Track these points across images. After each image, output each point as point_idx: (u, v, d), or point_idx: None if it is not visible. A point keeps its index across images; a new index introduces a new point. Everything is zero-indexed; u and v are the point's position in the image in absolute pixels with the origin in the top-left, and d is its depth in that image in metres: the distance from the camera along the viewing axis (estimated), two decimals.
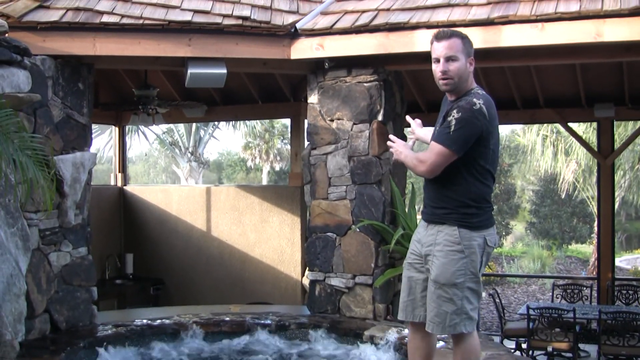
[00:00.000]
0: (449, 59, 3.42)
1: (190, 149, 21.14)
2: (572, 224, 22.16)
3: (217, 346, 5.21)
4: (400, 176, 5.88)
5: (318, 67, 5.70)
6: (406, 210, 5.73)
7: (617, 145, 8.94)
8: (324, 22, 5.38)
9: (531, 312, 6.30)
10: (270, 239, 7.96)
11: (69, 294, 5.18)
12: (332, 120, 5.66)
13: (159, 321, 5.35)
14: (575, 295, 7.58)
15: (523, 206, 25.12)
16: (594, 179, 15.86)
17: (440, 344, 4.36)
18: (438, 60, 3.45)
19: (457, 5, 5.11)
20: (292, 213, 7.82)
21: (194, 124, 20.22)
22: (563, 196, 20.50)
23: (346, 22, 5.30)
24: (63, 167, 5.04)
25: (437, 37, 3.46)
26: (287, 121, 11.68)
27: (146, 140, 23.53)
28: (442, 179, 3.47)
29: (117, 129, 9.01)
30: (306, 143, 5.95)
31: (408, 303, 3.65)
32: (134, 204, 8.77)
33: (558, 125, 13.74)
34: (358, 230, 5.51)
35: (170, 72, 7.88)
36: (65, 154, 5.14)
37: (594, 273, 10.05)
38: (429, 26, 4.94)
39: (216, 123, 20.46)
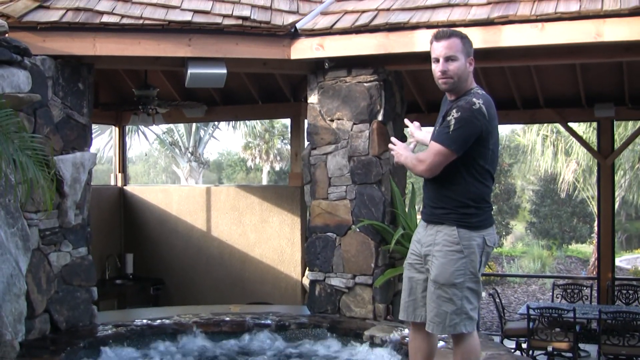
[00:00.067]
0: (448, 58, 3.42)
1: (190, 149, 21.14)
2: (572, 224, 22.16)
3: (217, 346, 5.20)
4: (400, 176, 5.89)
5: (318, 67, 5.70)
6: (406, 210, 5.73)
7: (617, 145, 8.94)
8: (324, 22, 5.38)
9: (531, 312, 6.30)
10: (270, 239, 7.96)
11: (69, 294, 5.18)
12: (332, 120, 5.66)
13: (159, 321, 5.35)
14: (575, 295, 7.58)
15: (523, 206, 25.12)
16: (594, 178, 15.86)
17: (441, 344, 4.36)
18: (437, 60, 3.45)
19: (457, 5, 5.11)
20: (292, 213, 7.82)
21: (194, 124, 20.22)
22: (563, 196, 20.50)
23: (346, 22, 5.30)
24: (63, 167, 5.04)
25: (437, 37, 3.46)
26: (287, 121, 11.69)
27: (146, 140, 23.55)
28: (442, 179, 3.47)
29: (117, 129, 9.01)
30: (306, 143, 5.96)
31: (409, 303, 3.65)
32: (134, 204, 8.77)
33: (558, 125, 13.75)
34: (358, 230, 5.51)
35: (170, 72, 7.88)
36: (65, 154, 5.14)
37: (594, 273, 10.05)
38: (429, 26, 4.94)
39: (216, 123, 20.46)
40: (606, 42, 4.70)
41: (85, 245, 5.35)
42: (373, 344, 4.98)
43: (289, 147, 13.95)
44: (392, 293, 5.67)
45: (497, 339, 6.73)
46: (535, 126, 17.49)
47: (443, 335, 3.94)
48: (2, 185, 4.19)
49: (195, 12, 5.32)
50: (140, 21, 5.15)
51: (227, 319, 5.45)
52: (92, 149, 5.56)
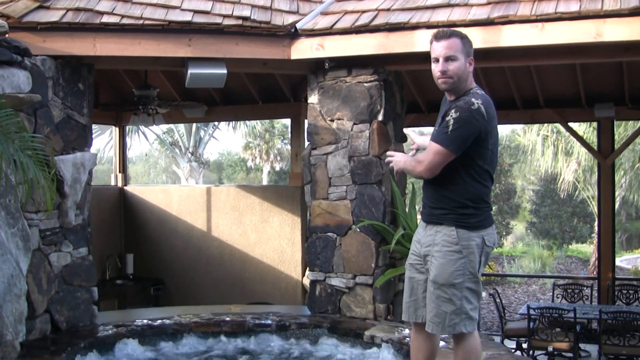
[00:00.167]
0: (448, 58, 3.41)
1: (190, 149, 21.15)
2: (572, 224, 22.16)
3: (218, 346, 5.21)
4: (400, 175, 5.88)
5: (318, 67, 5.70)
6: (406, 210, 5.73)
7: (617, 145, 8.94)
8: (324, 22, 5.38)
9: (532, 312, 6.30)
10: (270, 239, 7.96)
11: (69, 294, 5.18)
12: (332, 121, 5.66)
13: (159, 321, 5.35)
14: (575, 295, 7.57)
15: (523, 206, 25.12)
16: (595, 178, 15.86)
17: (441, 344, 4.36)
18: (437, 60, 3.45)
19: (457, 5, 5.11)
20: (293, 213, 7.82)
21: (194, 124, 20.23)
22: (563, 196, 20.50)
23: (346, 22, 5.30)
24: (63, 168, 5.04)
25: (437, 37, 3.46)
26: (287, 121, 11.69)
27: (146, 141, 23.57)
28: (440, 180, 3.47)
29: (117, 129, 9.01)
30: (306, 143, 5.96)
31: (410, 304, 3.65)
32: (134, 204, 8.78)
33: (558, 125, 13.75)
34: (358, 230, 5.51)
35: (170, 73, 7.88)
36: (65, 154, 5.14)
37: (595, 273, 10.05)
38: (429, 26, 4.94)
39: (216, 123, 20.47)
40: (606, 42, 4.70)
41: (85, 246, 5.35)
42: (373, 344, 4.97)
43: (289, 147, 13.95)
44: (393, 293, 5.67)
45: (497, 339, 6.74)
46: (536, 126, 17.49)
47: (444, 335, 3.94)
48: (3, 185, 4.19)
49: (196, 12, 5.32)
50: (141, 21, 5.15)
51: (228, 319, 5.45)
52: (93, 149, 5.56)
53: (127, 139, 9.70)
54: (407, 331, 4.96)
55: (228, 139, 54.33)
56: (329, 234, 5.67)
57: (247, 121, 20.41)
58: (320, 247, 5.71)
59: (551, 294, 8.01)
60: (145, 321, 5.33)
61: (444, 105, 3.59)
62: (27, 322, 4.52)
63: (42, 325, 4.92)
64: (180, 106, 7.89)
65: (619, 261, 17.00)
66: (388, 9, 5.28)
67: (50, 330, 5.01)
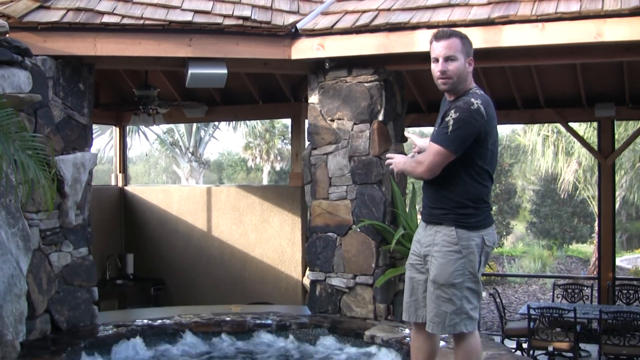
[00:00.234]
0: (447, 58, 3.41)
1: (190, 149, 21.15)
2: (572, 224, 22.16)
3: (218, 346, 5.21)
4: (400, 176, 5.88)
5: (318, 67, 5.70)
6: (407, 210, 5.73)
7: (617, 145, 8.94)
8: (324, 22, 5.38)
9: (532, 311, 6.29)
10: (270, 239, 7.96)
11: (69, 294, 5.19)
12: (332, 120, 5.66)
13: (159, 321, 5.35)
14: (576, 295, 7.57)
15: (524, 206, 25.12)
16: (595, 178, 15.85)
17: (442, 344, 4.36)
18: (437, 60, 3.45)
19: (458, 5, 5.11)
20: (293, 213, 7.82)
21: (194, 124, 20.23)
22: (563, 196, 20.50)
23: (347, 22, 5.30)
24: (64, 168, 5.04)
25: (436, 37, 3.46)
26: (287, 121, 11.67)
27: (146, 141, 23.55)
28: (440, 180, 3.46)
29: (117, 129, 9.01)
30: (307, 143, 5.96)
31: (411, 304, 3.65)
32: (134, 204, 8.78)
33: (559, 125, 13.74)
34: (359, 230, 5.51)
35: (170, 73, 7.88)
36: (65, 154, 5.14)
37: (595, 273, 10.04)
38: (429, 26, 4.94)
39: (216, 123, 20.48)
40: (607, 42, 4.70)
41: (86, 246, 5.35)
42: (374, 344, 4.97)
43: (289, 147, 13.96)
44: (393, 293, 5.67)
45: (497, 339, 6.74)
46: (536, 126, 17.49)
47: (444, 335, 3.94)
48: (3, 185, 4.20)
49: (196, 12, 5.32)
50: (141, 21, 5.15)
51: (228, 319, 5.45)
52: (93, 149, 5.56)
53: (128, 139, 9.70)
54: (407, 331, 4.97)
55: (228, 139, 54.37)
56: (329, 233, 5.67)
57: (247, 121, 20.40)
58: (321, 247, 5.71)
59: (551, 294, 8.01)
60: (145, 321, 5.33)
61: (443, 105, 3.59)
62: (27, 322, 4.52)
63: (42, 325, 4.93)
64: (181, 106, 7.89)
65: (619, 261, 16.99)
66: (388, 9, 5.28)
67: (50, 330, 5.01)
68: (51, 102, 5.07)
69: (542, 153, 18.26)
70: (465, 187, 3.44)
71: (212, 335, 5.29)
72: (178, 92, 8.27)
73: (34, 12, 5.02)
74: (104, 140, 20.48)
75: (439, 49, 3.43)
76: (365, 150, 5.53)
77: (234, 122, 20.15)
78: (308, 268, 6.01)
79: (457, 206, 3.44)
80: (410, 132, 4.02)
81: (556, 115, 7.95)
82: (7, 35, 4.50)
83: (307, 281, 6.63)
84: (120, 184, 8.87)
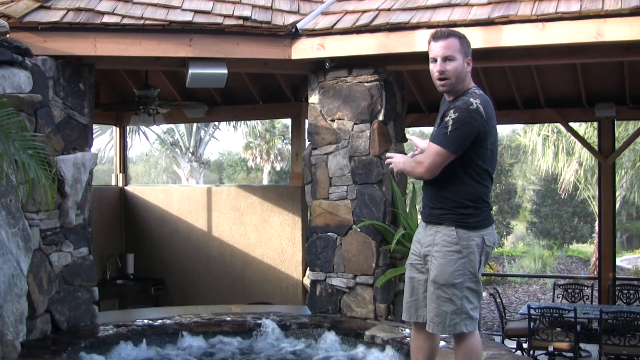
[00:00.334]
0: (446, 58, 3.41)
1: (190, 149, 21.15)
2: (573, 224, 22.16)
3: (218, 346, 5.21)
4: (401, 176, 5.88)
5: (319, 67, 5.70)
6: (407, 210, 5.73)
7: (618, 144, 8.94)
8: (324, 22, 5.38)
9: (532, 311, 6.30)
10: (271, 239, 7.97)
11: (70, 294, 5.19)
12: (332, 120, 5.66)
13: (160, 321, 5.35)
14: (576, 295, 7.58)
15: (524, 206, 25.11)
16: (595, 178, 15.85)
17: (442, 344, 4.36)
18: (435, 60, 3.46)
19: (458, 5, 5.11)
20: (293, 213, 7.83)
21: (194, 124, 20.24)
22: (564, 196, 20.50)
23: (347, 22, 5.30)
24: (64, 168, 5.05)
25: (435, 37, 3.47)
26: (287, 121, 11.68)
27: (147, 141, 23.59)
28: (440, 180, 3.46)
29: (117, 129, 9.02)
30: (307, 143, 5.96)
31: (411, 303, 3.65)
32: (134, 204, 8.78)
33: (559, 125, 13.74)
34: (359, 230, 5.51)
35: (171, 73, 7.88)
36: (66, 154, 5.14)
37: (595, 273, 10.05)
38: (429, 26, 4.94)
39: (217, 123, 20.48)
40: (607, 42, 4.70)
41: (86, 246, 5.35)
42: (374, 344, 4.97)
43: (289, 147, 13.98)
44: (393, 293, 5.67)
45: (498, 339, 6.75)
46: (536, 126, 17.49)
47: (444, 335, 3.94)
48: (4, 185, 4.20)
49: (196, 12, 5.32)
50: (141, 21, 5.16)
51: (228, 319, 5.46)
52: (93, 149, 5.56)
53: (128, 139, 9.71)
54: (407, 331, 4.97)
55: (228, 139, 54.41)
56: (329, 233, 5.68)
57: (247, 121, 20.41)
58: (321, 247, 5.71)
59: (552, 293, 8.01)
60: (145, 321, 5.33)
61: (443, 105, 3.59)
62: (27, 322, 4.52)
63: (42, 325, 4.93)
64: (181, 106, 7.89)
65: (620, 261, 17.00)
66: (389, 9, 5.29)
67: (50, 330, 5.01)
68: (51, 102, 5.08)
69: (543, 153, 18.26)
70: (465, 187, 3.44)
71: (212, 335, 5.29)
72: (178, 92, 8.27)
73: (34, 12, 5.02)
74: (104, 140, 20.52)
75: (437, 49, 3.44)
76: (365, 150, 5.53)
77: (234, 122, 20.15)
78: (308, 268, 6.01)
79: (457, 206, 3.44)
80: (410, 133, 4.03)
81: (556, 115, 7.95)
82: (8, 35, 4.51)
83: (307, 281, 6.63)
84: (120, 184, 8.87)
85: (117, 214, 8.71)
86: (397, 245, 5.33)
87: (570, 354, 6.33)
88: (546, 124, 16.99)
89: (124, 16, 5.15)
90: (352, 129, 5.57)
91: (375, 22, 5.18)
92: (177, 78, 7.96)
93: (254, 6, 5.55)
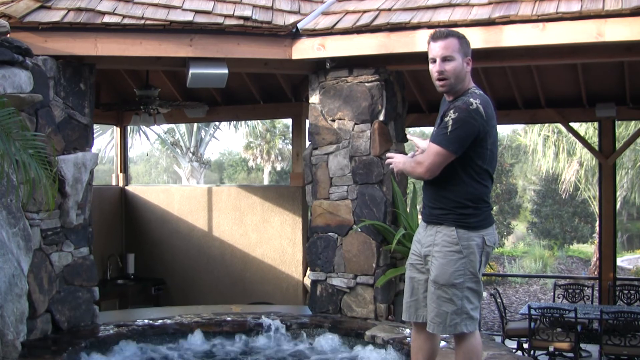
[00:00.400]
0: (445, 59, 3.42)
1: (191, 149, 21.16)
2: (573, 224, 22.15)
3: (219, 346, 5.21)
4: (401, 176, 5.88)
5: (319, 67, 5.71)
6: (407, 210, 5.73)
7: (618, 145, 8.94)
8: (325, 22, 5.38)
9: (533, 312, 6.30)
10: (271, 239, 7.97)
11: (70, 294, 5.19)
12: (333, 120, 5.66)
13: (160, 321, 5.35)
14: (576, 295, 7.57)
15: (524, 206, 25.11)
16: (596, 178, 15.85)
17: (442, 344, 4.36)
18: (434, 61, 3.46)
19: (458, 5, 5.11)
20: (294, 213, 7.83)
21: (195, 124, 20.24)
22: (565, 196, 20.49)
23: (347, 22, 5.30)
24: (65, 167, 5.05)
25: (434, 37, 3.47)
26: (288, 121, 11.68)
27: (147, 141, 23.59)
28: (440, 180, 3.46)
29: (118, 129, 9.02)
30: (307, 143, 5.96)
31: (411, 304, 3.65)
32: (135, 204, 8.78)
33: (559, 125, 13.73)
34: (359, 230, 5.51)
35: (171, 73, 7.88)
36: (66, 154, 5.15)
37: (596, 273, 10.04)
38: (430, 26, 4.94)
39: (217, 123, 20.48)
40: (607, 42, 4.70)
41: (86, 245, 5.36)
42: (374, 344, 4.98)
43: (290, 147, 13.97)
44: (394, 293, 5.67)
45: (498, 339, 6.74)
46: (537, 126, 17.49)
47: (445, 335, 3.94)
48: (4, 185, 4.20)
49: (197, 12, 5.33)
50: (142, 21, 5.16)
51: (229, 319, 5.46)
52: (94, 149, 5.56)
53: (128, 139, 9.70)
54: (408, 331, 4.97)
55: (229, 139, 54.34)
56: (330, 233, 5.68)
57: (248, 121, 20.41)
58: (321, 247, 5.71)
59: (552, 294, 8.01)
60: (146, 321, 5.33)
61: (443, 105, 3.59)
62: (28, 321, 4.52)
63: (43, 325, 4.93)
64: (182, 106, 7.90)
65: (620, 261, 16.99)
66: (389, 9, 5.29)
67: (51, 330, 5.01)
68: (52, 102, 5.08)
69: (543, 153, 18.25)
70: (465, 187, 3.44)
71: (212, 335, 5.30)
72: (179, 92, 8.27)
73: (35, 12, 5.02)
74: (104, 140, 20.52)
75: (436, 49, 3.44)
76: (366, 150, 5.53)
77: (234, 122, 20.15)
78: (309, 268, 6.01)
79: (457, 206, 3.44)
80: (411, 134, 4.03)
81: (557, 115, 7.95)
82: (8, 35, 4.51)
83: (307, 281, 6.63)
84: (121, 184, 8.87)
85: (117, 213, 8.71)
86: (397, 246, 5.33)
87: (570, 354, 6.33)
88: (546, 124, 16.99)
89: (124, 16, 5.16)
90: (353, 129, 5.57)
91: (376, 22, 5.18)
92: (177, 78, 7.96)
93: (254, 6, 5.55)
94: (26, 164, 3.46)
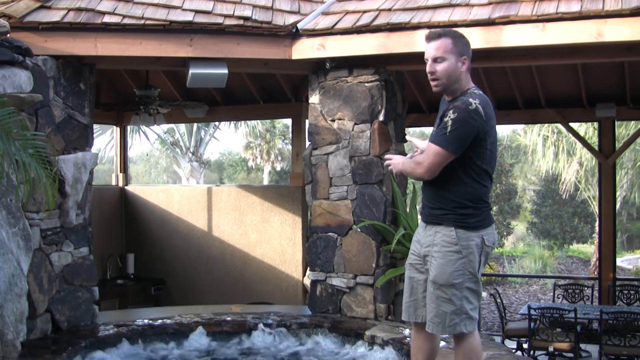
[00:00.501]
0: (436, 59, 3.43)
1: (191, 149, 21.16)
2: (573, 224, 22.15)
3: (219, 346, 5.21)
4: (401, 177, 5.88)
5: (319, 67, 5.71)
6: (407, 210, 5.73)
7: (618, 145, 8.94)
8: (325, 22, 5.38)
9: (532, 312, 6.30)
10: (271, 239, 7.97)
11: (70, 293, 5.19)
12: (333, 121, 5.66)
13: (160, 321, 5.35)
14: (576, 296, 7.57)
15: (524, 206, 25.10)
16: (596, 178, 15.85)
17: (442, 344, 4.36)
18: (428, 61, 3.47)
19: (458, 5, 5.11)
20: (293, 213, 7.83)
21: (195, 124, 20.24)
22: (564, 196, 20.49)
23: (347, 22, 5.30)
24: (64, 167, 5.05)
25: (427, 38, 3.48)
26: (288, 121, 11.69)
27: (147, 140, 23.57)
28: (439, 180, 3.46)
29: (118, 129, 9.02)
30: (307, 143, 5.96)
31: (410, 304, 3.65)
32: (135, 204, 8.78)
33: (559, 125, 13.73)
34: (359, 230, 5.51)
35: (171, 73, 7.88)
36: (66, 154, 5.15)
37: (595, 273, 10.04)
38: (430, 26, 4.94)
39: (217, 123, 20.47)
40: (607, 42, 4.70)
41: (86, 245, 5.36)
42: (374, 344, 4.98)
43: (290, 147, 13.98)
44: (393, 293, 5.67)
45: (498, 339, 6.73)
46: (537, 126, 17.49)
47: (444, 335, 3.94)
48: (4, 185, 4.20)
49: (197, 12, 5.33)
50: (142, 21, 5.16)
51: (229, 318, 5.46)
52: (94, 149, 5.56)
53: (128, 139, 9.70)
54: (407, 331, 4.97)
55: (229, 138, 54.38)
56: (329, 233, 5.68)
57: (248, 121, 20.40)
58: (321, 247, 5.71)
59: (552, 294, 8.00)
60: (146, 321, 5.33)
61: (442, 105, 3.59)
62: (28, 321, 4.52)
63: (43, 325, 4.93)
64: (182, 106, 7.90)
65: (620, 261, 16.99)
66: (389, 9, 5.29)
67: (51, 330, 5.01)
68: (52, 102, 5.08)
69: (543, 153, 18.26)
70: (465, 187, 3.44)
71: (212, 335, 5.29)
72: (179, 92, 8.27)
73: (35, 12, 5.02)
74: (104, 140, 20.51)
75: (428, 50, 3.46)
76: (365, 150, 5.53)
77: (234, 122, 20.14)
78: (308, 268, 6.02)
79: (457, 206, 3.44)
80: (410, 134, 4.02)
81: (557, 115, 7.95)
82: (8, 35, 4.51)
83: (307, 281, 6.63)
84: (120, 184, 8.87)
85: (117, 213, 8.71)
86: (397, 245, 5.33)
87: (570, 355, 6.33)
88: (546, 124, 16.99)
89: (124, 16, 5.16)
90: (353, 129, 5.57)
91: (376, 22, 5.18)
92: (177, 78, 7.96)
93: (254, 6, 5.55)
94: (26, 163, 3.46)
